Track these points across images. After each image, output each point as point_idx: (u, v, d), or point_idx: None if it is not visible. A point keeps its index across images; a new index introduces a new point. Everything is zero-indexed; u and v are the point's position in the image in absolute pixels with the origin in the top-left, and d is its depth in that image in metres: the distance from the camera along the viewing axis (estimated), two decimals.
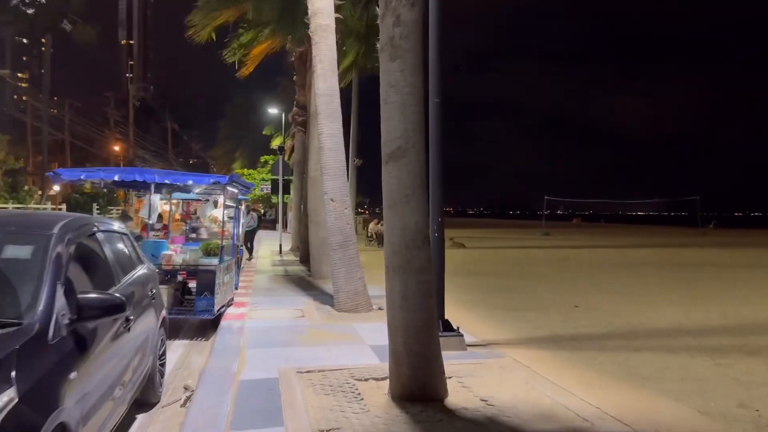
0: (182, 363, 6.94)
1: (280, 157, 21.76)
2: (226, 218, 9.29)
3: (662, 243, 32.95)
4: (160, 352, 5.33)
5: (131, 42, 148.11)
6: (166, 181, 7.96)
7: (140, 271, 5.08)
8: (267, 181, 41.77)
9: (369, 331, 7.89)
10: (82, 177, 8.38)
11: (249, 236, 18.94)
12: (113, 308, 3.29)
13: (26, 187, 32.84)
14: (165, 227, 11.78)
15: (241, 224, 20.08)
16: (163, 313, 5.59)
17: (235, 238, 12.61)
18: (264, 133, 44.18)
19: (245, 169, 53.79)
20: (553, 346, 7.27)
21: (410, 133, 4.99)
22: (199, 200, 12.81)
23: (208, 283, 8.28)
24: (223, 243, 8.80)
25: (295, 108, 21.77)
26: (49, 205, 34.61)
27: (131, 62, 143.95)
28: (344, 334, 7.73)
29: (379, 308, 9.61)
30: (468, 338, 7.19)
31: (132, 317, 4.11)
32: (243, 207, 21.18)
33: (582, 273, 16.85)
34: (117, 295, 3.47)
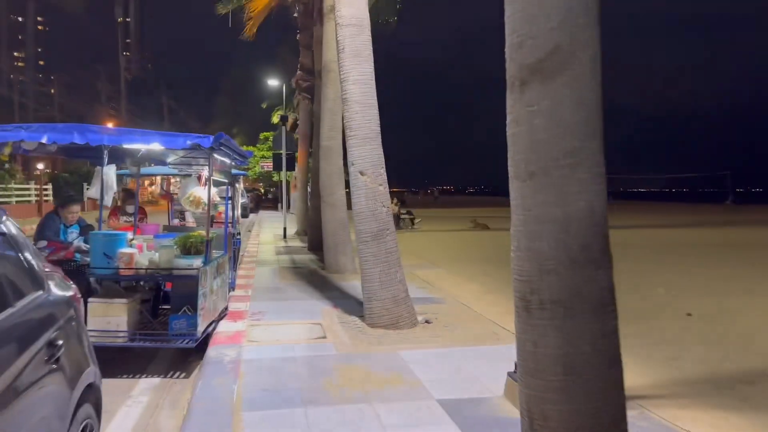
0: None
1: (283, 128, 19.04)
2: (215, 200, 6.68)
3: (701, 221, 30.23)
4: None
5: (128, 19, 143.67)
6: (122, 145, 5.35)
7: (25, 305, 2.51)
8: (268, 158, 39.15)
9: (426, 365, 5.33)
10: None
11: None
12: None
13: (6, 166, 30.13)
14: (142, 213, 9.17)
15: (240, 206, 17.57)
16: (90, 378, 3.01)
17: (232, 224, 10.02)
18: (262, 106, 41.35)
19: (244, 146, 51.21)
20: (726, 400, 4.69)
21: (579, 18, 2.34)
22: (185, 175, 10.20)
23: (186, 294, 5.71)
24: (210, 235, 6.19)
25: (299, 72, 19.05)
26: (32, 186, 31.97)
27: (128, 40, 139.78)
28: (390, 373, 5.15)
29: (426, 321, 7.04)
30: None
31: None
32: (239, 185, 18.59)
33: (651, 261, 14.20)
34: None
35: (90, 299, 5.47)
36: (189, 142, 5.22)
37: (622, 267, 10.73)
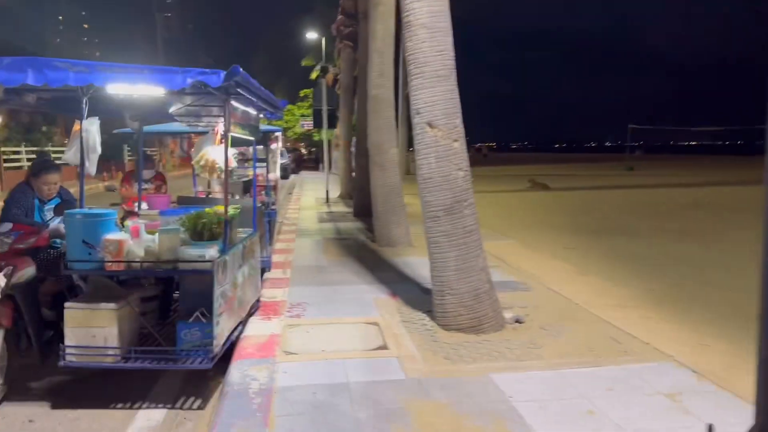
0: None
1: (323, 81, 17.25)
2: (234, 162, 5.05)
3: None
4: None
5: None
6: (103, 87, 3.73)
7: None
8: (308, 116, 37.48)
9: (539, 404, 3.66)
10: None
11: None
12: None
13: (44, 128, 29.31)
14: (160, 179, 7.65)
15: (278, 167, 15.99)
16: None
17: (265, 191, 8.43)
18: (302, 63, 39.49)
19: None
20: None
21: None
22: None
23: (198, 294, 4.18)
24: (231, 211, 4.60)
25: (340, 17, 17.12)
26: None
27: None
28: (490, 420, 3.50)
29: (516, 320, 5.36)
30: None
31: None
32: (277, 145, 17.02)
33: (751, 228, 12.09)
34: None
35: (66, 304, 3.99)
36: (190, 80, 3.56)
37: (736, 236, 8.60)
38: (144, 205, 5.71)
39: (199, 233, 4.23)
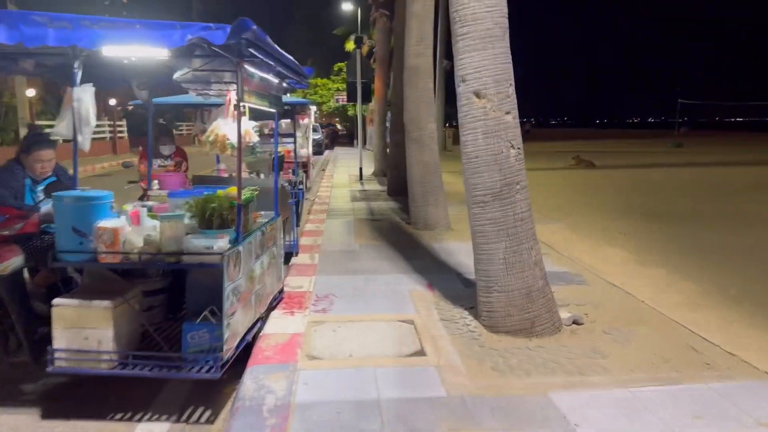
0: None
1: (357, 52, 16.46)
2: (254, 136, 4.38)
3: None
4: None
5: None
6: (94, 49, 3.14)
7: None
8: (342, 91, 36.73)
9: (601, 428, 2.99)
10: None
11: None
12: None
13: None
14: (180, 155, 7.09)
15: (310, 142, 15.37)
16: None
17: (293, 169, 7.82)
18: (336, 33, 38.54)
19: (318, 79, 48.92)
20: None
21: None
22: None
23: (206, 291, 3.61)
24: (247, 193, 3.99)
25: None
26: (105, 123, 31.10)
27: None
28: None
29: (574, 321, 4.65)
30: None
31: None
32: (309, 120, 16.39)
33: None
34: None
35: (55, 301, 3.45)
36: (190, 36, 2.92)
37: None
38: (156, 185, 5.14)
39: (208, 220, 3.63)
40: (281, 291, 5.24)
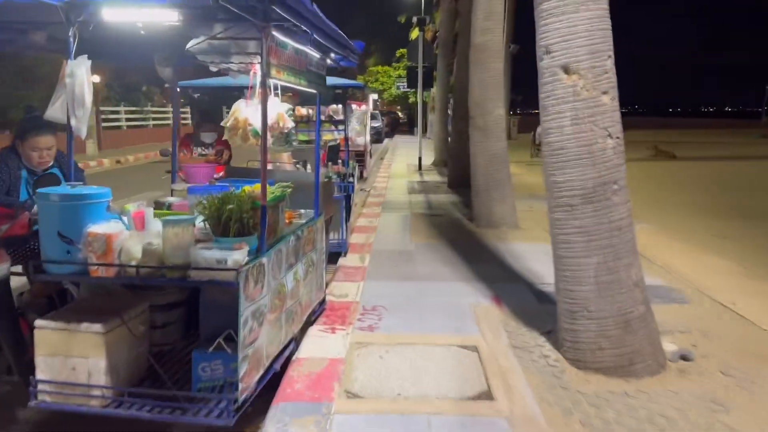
0: None
1: (420, 34, 15.55)
2: (284, 123, 3.62)
3: None
4: None
5: None
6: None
7: None
8: (404, 78, 35.89)
9: None
10: None
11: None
12: None
13: (144, 88, 29.62)
14: (221, 143, 6.44)
15: (368, 130, 14.59)
16: None
17: (343, 160, 7.07)
18: (399, 20, 37.63)
19: (379, 66, 48.17)
20: None
21: None
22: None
23: (221, 313, 2.93)
24: (277, 192, 3.26)
25: None
26: (169, 109, 31.30)
27: None
28: None
29: (681, 356, 3.71)
30: None
31: None
32: (367, 107, 15.61)
33: None
34: None
35: (37, 322, 2.82)
36: None
37: None
38: (181, 177, 4.49)
39: (224, 226, 2.90)
40: (323, 302, 4.52)
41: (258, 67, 3.31)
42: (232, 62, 3.44)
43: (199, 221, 3.00)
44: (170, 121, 29.50)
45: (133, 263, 2.76)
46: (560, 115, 3.52)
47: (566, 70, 3.48)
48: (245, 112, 3.45)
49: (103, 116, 23.01)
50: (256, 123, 3.43)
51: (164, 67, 4.01)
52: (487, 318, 4.44)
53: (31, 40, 3.66)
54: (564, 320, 3.69)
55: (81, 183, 3.09)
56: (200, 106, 31.11)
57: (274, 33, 2.90)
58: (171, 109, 24.16)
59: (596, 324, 3.51)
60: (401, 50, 43.00)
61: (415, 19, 16.17)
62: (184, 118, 30.92)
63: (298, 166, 6.18)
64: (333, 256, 6.15)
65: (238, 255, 2.74)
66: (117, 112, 24.92)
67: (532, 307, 4.69)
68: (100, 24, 2.99)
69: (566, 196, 3.54)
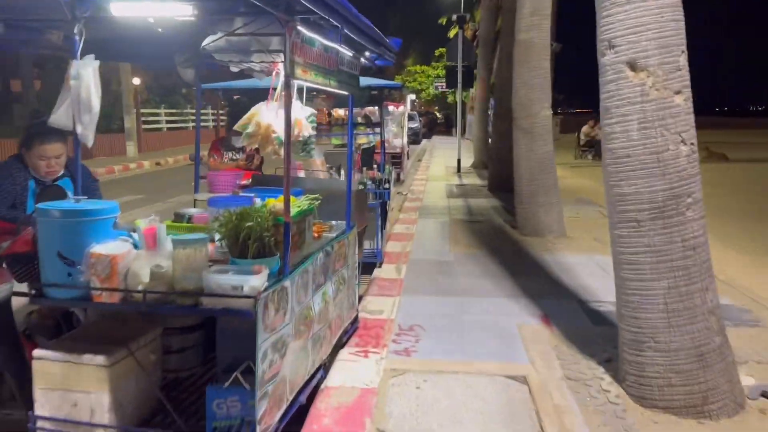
0: None
1: (459, 32, 15.09)
2: (300, 131, 3.22)
3: None
4: None
5: None
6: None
7: None
8: (442, 77, 35.38)
9: None
10: None
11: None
12: None
13: (184, 90, 29.89)
14: (252, 150, 6.13)
15: (405, 132, 14.20)
16: None
17: (378, 164, 6.72)
18: (440, 22, 37.15)
19: (417, 66, 47.70)
20: None
21: None
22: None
23: (239, 342, 2.60)
24: (304, 204, 2.92)
25: None
26: (210, 111, 31.53)
27: None
28: None
29: (763, 394, 3.21)
30: None
31: None
32: (405, 107, 15.24)
33: None
34: None
35: (36, 353, 2.54)
36: None
37: None
38: (205, 187, 4.20)
39: (242, 245, 2.58)
40: (355, 320, 4.17)
41: (281, 66, 2.97)
42: (252, 61, 3.12)
43: (218, 238, 2.69)
44: (211, 123, 29.89)
45: (141, 288, 2.46)
46: (626, 119, 3.08)
47: (633, 66, 3.05)
48: (267, 116, 3.12)
49: (143, 118, 23.25)
50: (278, 128, 3.09)
51: (185, 69, 3.72)
52: (537, 341, 4.01)
53: (47, 41, 3.42)
54: (627, 350, 3.25)
55: (85, 197, 2.79)
56: (237, 108, 31.25)
57: (299, 28, 2.55)
58: (211, 111, 24.12)
59: (665, 357, 3.06)
60: (440, 49, 42.48)
61: (454, 17, 15.71)
62: (223, 121, 31.15)
63: (332, 171, 5.85)
64: (368, 267, 5.80)
65: (256, 280, 2.40)
66: (157, 115, 25.18)
67: (586, 329, 4.25)
68: (108, 20, 2.70)
69: (632, 210, 3.10)
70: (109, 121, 22.59)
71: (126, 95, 21.50)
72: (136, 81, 22.77)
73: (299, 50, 2.61)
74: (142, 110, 23.44)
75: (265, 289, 2.45)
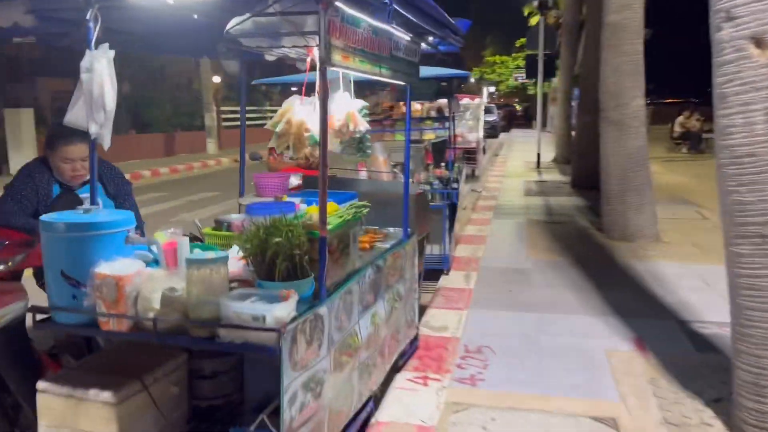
0: None
1: (541, 20, 14.23)
2: (355, 126, 2.81)
3: None
4: None
5: None
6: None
7: None
8: (522, 68, 34.14)
9: None
10: None
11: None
12: None
13: (263, 87, 30.37)
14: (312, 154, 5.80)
15: (480, 125, 13.54)
16: None
17: (447, 163, 6.20)
18: (524, 12, 35.80)
19: (497, 57, 46.37)
20: None
21: None
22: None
23: (267, 379, 2.21)
24: (349, 214, 2.49)
25: None
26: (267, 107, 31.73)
27: None
28: None
29: None
30: None
31: None
32: (480, 100, 14.57)
33: None
34: None
35: (40, 385, 2.24)
36: None
37: None
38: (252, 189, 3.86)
39: (269, 266, 2.18)
40: (414, 339, 3.71)
41: (315, 50, 2.54)
42: (284, 46, 2.72)
43: (242, 256, 2.31)
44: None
45: (152, 314, 2.11)
46: (748, 108, 2.44)
47: (758, 43, 2.40)
48: (300, 112, 2.71)
49: (223, 116, 23.74)
50: (313, 126, 2.68)
51: (228, 60, 3.37)
52: (629, 373, 3.41)
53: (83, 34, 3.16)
54: (744, 394, 2.61)
55: (97, 206, 2.49)
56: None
57: (338, 3, 2.11)
58: (269, 106, 24.20)
59: None
60: (521, 40, 41.03)
61: (536, 3, 14.84)
62: None
63: (395, 170, 5.40)
64: (433, 274, 5.32)
65: (281, 310, 1.99)
66: (236, 112, 25.66)
67: (689, 357, 3.60)
68: (125, 5, 2.37)
69: (755, 223, 2.46)
70: (192, 119, 23.25)
71: (206, 93, 21.99)
72: (216, 79, 23.26)
73: (338, 31, 2.17)
74: (223, 108, 23.92)
75: (294, 320, 2.04)
